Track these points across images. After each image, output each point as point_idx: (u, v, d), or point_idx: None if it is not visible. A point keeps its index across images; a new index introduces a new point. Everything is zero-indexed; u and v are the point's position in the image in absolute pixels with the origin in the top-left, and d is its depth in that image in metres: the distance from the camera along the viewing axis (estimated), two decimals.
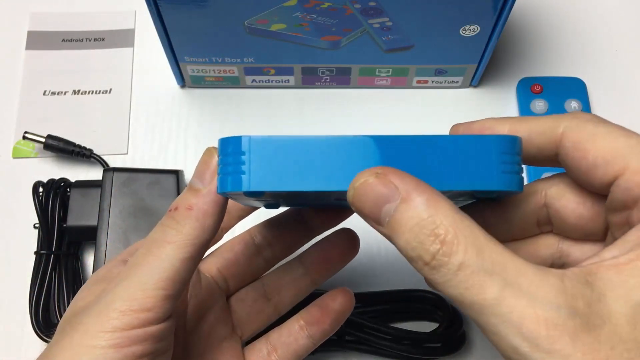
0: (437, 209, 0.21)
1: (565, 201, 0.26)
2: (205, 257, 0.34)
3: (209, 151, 0.26)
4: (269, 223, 0.34)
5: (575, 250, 0.27)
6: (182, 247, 0.25)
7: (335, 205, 0.32)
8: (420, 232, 0.21)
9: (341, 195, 0.24)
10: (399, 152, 0.23)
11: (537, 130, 0.25)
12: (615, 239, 0.25)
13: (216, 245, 0.35)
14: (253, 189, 0.23)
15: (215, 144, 0.25)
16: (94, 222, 0.41)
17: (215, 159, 0.25)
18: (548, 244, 0.28)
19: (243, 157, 0.23)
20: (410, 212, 0.21)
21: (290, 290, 0.35)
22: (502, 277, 0.20)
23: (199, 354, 0.31)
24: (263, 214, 0.34)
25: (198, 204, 0.25)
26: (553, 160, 0.25)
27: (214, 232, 0.26)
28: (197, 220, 0.25)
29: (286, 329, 0.34)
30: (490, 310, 0.20)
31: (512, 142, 0.24)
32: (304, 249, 0.35)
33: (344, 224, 0.35)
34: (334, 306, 0.34)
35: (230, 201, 0.28)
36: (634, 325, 0.19)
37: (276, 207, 0.30)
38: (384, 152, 0.23)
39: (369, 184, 0.21)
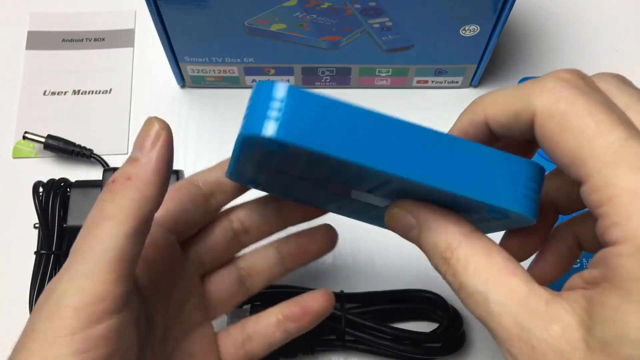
0: (446, 233, 0.23)
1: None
2: (188, 239, 0.32)
3: (149, 120, 0.25)
4: (248, 210, 0.33)
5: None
6: (124, 222, 0.23)
7: (320, 203, 0.32)
8: (435, 254, 0.24)
9: (353, 182, 0.24)
10: (441, 149, 0.22)
11: (512, 112, 0.22)
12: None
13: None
14: (280, 137, 0.21)
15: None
16: None
17: (156, 127, 0.24)
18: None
19: (280, 104, 0.21)
20: (424, 239, 0.24)
21: (264, 276, 0.34)
22: (492, 298, 0.22)
23: (174, 338, 0.30)
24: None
25: (137, 173, 0.24)
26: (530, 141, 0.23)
27: (158, 203, 0.24)
28: (137, 191, 0.23)
29: (264, 321, 0.34)
30: (486, 325, 0.22)
31: (540, 171, 0.24)
32: (281, 236, 0.35)
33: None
34: (315, 307, 0.34)
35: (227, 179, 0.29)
36: (595, 358, 0.19)
37: (266, 191, 0.30)
38: (424, 145, 0.22)
39: (393, 215, 0.26)
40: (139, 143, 0.24)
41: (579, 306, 0.20)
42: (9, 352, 0.23)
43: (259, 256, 0.35)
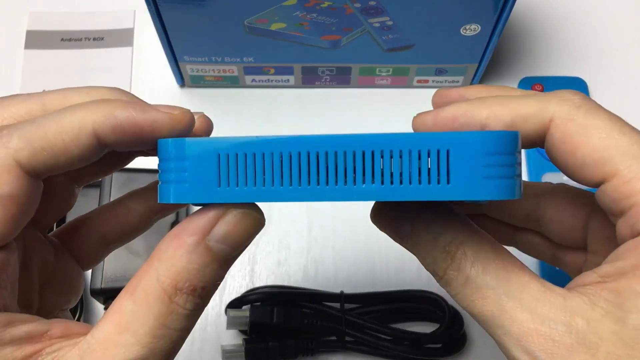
0: (449, 227, 0.22)
1: (558, 214, 0.26)
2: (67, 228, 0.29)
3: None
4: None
5: (565, 254, 0.27)
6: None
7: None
8: (434, 249, 0.22)
9: None
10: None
11: (522, 114, 0.22)
12: (594, 245, 0.26)
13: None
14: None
15: None
16: None
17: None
18: (543, 243, 0.28)
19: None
20: (425, 230, 0.22)
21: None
22: (504, 292, 0.21)
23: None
24: None
25: None
26: (536, 144, 0.23)
27: None
28: None
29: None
30: (494, 322, 0.21)
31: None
32: None
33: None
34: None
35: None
36: (631, 347, 0.19)
37: None
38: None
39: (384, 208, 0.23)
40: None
41: (602, 299, 0.20)
42: None
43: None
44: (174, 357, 0.21)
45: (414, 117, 0.24)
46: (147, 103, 0.23)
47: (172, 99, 0.49)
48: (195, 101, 0.49)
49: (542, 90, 0.48)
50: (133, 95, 0.24)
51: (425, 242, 0.22)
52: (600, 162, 0.21)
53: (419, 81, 0.49)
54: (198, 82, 0.49)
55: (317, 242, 0.44)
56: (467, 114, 0.22)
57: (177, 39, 0.44)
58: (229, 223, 0.21)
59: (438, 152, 0.19)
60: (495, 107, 0.22)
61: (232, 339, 0.41)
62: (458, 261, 0.21)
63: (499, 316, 0.20)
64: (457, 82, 0.49)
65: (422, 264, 0.23)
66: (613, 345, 0.19)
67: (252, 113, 0.49)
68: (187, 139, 0.20)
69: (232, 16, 0.41)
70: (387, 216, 0.24)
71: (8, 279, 0.22)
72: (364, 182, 0.20)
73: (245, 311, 0.39)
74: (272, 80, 0.49)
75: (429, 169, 0.19)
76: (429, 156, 0.19)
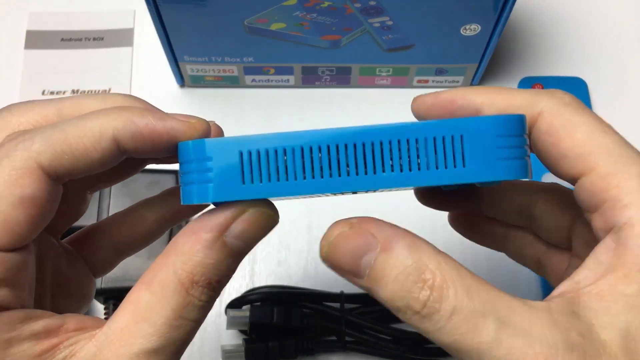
0: (420, 253, 0.20)
1: (548, 211, 0.27)
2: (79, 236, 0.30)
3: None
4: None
5: (551, 257, 0.28)
6: None
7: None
8: (406, 279, 0.20)
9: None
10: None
11: (514, 104, 0.23)
12: (578, 247, 0.26)
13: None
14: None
15: None
16: (93, 222, 0.41)
17: None
18: (532, 244, 0.29)
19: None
20: (392, 260, 0.20)
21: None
22: (495, 317, 0.19)
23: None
24: None
25: None
26: None
27: None
28: None
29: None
30: (489, 354, 0.19)
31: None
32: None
33: None
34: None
35: None
36: (628, 353, 0.19)
37: None
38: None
39: (343, 236, 0.21)
40: None
41: (584, 307, 0.19)
42: None
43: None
44: (186, 348, 0.22)
45: (414, 99, 0.25)
46: (163, 111, 0.23)
47: (172, 99, 0.49)
48: (195, 101, 0.49)
49: None
50: (147, 102, 0.25)
51: (395, 273, 0.20)
52: (580, 156, 0.21)
53: (419, 81, 0.49)
54: (198, 82, 0.49)
55: (317, 242, 0.44)
56: (465, 97, 0.23)
57: (177, 39, 0.44)
58: (246, 221, 0.21)
59: (452, 137, 0.20)
60: (490, 95, 0.23)
61: (232, 339, 0.41)
62: (439, 290, 0.19)
63: (496, 347, 0.19)
64: (457, 82, 0.49)
65: (389, 299, 0.20)
66: (612, 355, 0.19)
67: (252, 113, 0.49)
68: (207, 140, 0.21)
69: (232, 16, 0.41)
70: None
71: (26, 279, 0.22)
72: (383, 170, 0.20)
73: (245, 311, 0.39)
74: (272, 80, 0.49)
75: (444, 154, 0.20)
76: (443, 142, 0.20)
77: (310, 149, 0.20)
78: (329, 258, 0.21)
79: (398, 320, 0.41)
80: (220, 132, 0.25)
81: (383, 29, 0.43)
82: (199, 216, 0.22)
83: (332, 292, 0.41)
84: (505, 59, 0.51)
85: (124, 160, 0.23)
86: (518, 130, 0.21)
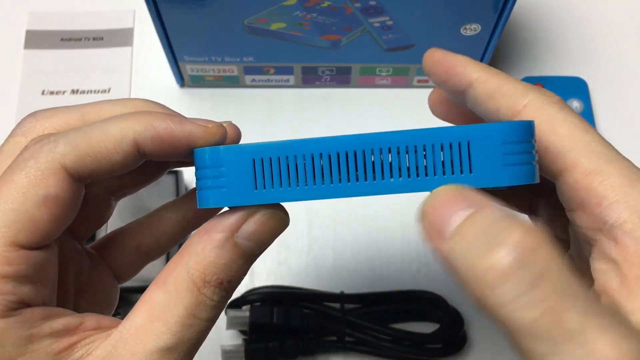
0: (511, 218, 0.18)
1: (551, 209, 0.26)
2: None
3: None
4: None
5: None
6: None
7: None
8: (491, 232, 0.18)
9: None
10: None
11: (503, 90, 0.23)
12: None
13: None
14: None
15: None
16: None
17: None
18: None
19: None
20: (482, 214, 0.18)
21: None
22: (593, 337, 0.16)
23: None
24: None
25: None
26: (500, 119, 0.24)
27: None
28: None
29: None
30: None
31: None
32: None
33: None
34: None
35: None
36: None
37: None
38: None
39: (447, 191, 0.19)
40: None
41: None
42: None
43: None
44: (199, 347, 0.23)
45: (429, 51, 0.27)
46: (183, 116, 0.24)
47: (172, 99, 0.49)
48: (195, 101, 0.49)
49: None
50: (167, 107, 0.26)
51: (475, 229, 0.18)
52: (562, 152, 0.22)
53: (419, 81, 0.49)
54: (198, 82, 0.49)
55: (317, 242, 0.44)
56: (465, 68, 0.25)
57: (177, 39, 0.43)
58: (256, 222, 0.22)
59: (459, 144, 0.21)
60: (487, 75, 0.24)
61: (232, 339, 0.41)
62: (551, 308, 0.16)
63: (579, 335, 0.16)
64: None
65: (479, 302, 0.17)
66: None
67: (252, 113, 0.49)
68: (222, 147, 0.22)
69: (232, 16, 0.41)
70: None
71: (49, 277, 0.23)
72: (391, 176, 0.21)
73: (245, 311, 0.39)
74: (272, 80, 0.49)
75: (451, 161, 0.21)
76: (451, 149, 0.21)
77: (320, 155, 0.21)
78: (425, 211, 0.19)
79: (398, 320, 0.41)
80: (237, 132, 0.25)
81: (383, 28, 0.43)
82: (213, 218, 0.23)
83: (332, 292, 0.41)
84: (505, 59, 0.51)
85: (146, 164, 0.24)
86: (525, 137, 0.21)
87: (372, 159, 0.21)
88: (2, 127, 0.48)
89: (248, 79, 0.48)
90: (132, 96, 0.49)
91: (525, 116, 0.23)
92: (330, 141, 0.21)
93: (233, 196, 0.21)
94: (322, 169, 0.21)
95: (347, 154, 0.21)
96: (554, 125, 0.22)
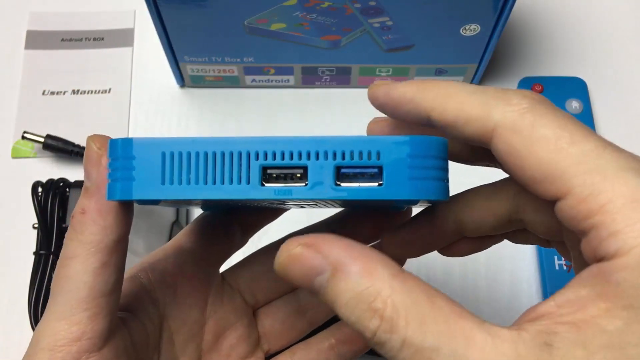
0: (373, 278, 0.18)
1: (537, 215, 0.23)
2: (233, 268, 0.31)
3: (87, 141, 0.23)
4: None
5: (531, 206, 0.24)
6: (88, 258, 0.22)
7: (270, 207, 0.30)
8: (356, 307, 0.18)
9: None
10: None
11: (464, 116, 0.20)
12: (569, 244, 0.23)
13: (240, 252, 0.32)
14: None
15: None
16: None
17: (94, 149, 0.23)
18: (534, 238, 0.25)
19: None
20: (342, 285, 0.18)
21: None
22: (449, 352, 0.17)
23: None
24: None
25: (90, 205, 0.23)
26: (484, 145, 0.21)
27: (123, 228, 0.23)
28: (94, 224, 0.23)
29: (315, 347, 0.31)
30: None
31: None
32: None
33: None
34: None
35: None
36: None
37: (208, 209, 0.29)
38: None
39: (295, 256, 0.19)
40: (85, 170, 0.23)
41: (559, 338, 0.17)
42: (8, 352, 0.23)
43: None
44: None
45: (371, 86, 0.24)
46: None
47: (172, 99, 0.49)
48: (195, 101, 0.49)
49: (541, 91, 0.48)
50: None
51: (346, 299, 0.18)
52: (550, 179, 0.18)
53: None
54: (198, 82, 0.49)
55: None
56: (415, 101, 0.22)
57: (177, 39, 0.44)
58: None
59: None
60: (441, 100, 0.21)
61: None
62: (389, 320, 0.17)
63: None
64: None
65: (344, 320, 0.19)
66: None
67: (252, 113, 0.49)
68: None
69: (232, 16, 0.41)
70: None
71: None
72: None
73: None
74: (272, 80, 0.49)
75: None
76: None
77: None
78: (283, 275, 0.20)
79: None
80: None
81: (383, 29, 0.43)
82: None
83: None
84: (505, 59, 0.51)
85: None
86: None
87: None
88: (2, 127, 0.48)
89: (248, 79, 0.48)
90: (132, 96, 0.49)
91: (501, 143, 0.20)
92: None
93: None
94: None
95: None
96: (533, 148, 0.19)
